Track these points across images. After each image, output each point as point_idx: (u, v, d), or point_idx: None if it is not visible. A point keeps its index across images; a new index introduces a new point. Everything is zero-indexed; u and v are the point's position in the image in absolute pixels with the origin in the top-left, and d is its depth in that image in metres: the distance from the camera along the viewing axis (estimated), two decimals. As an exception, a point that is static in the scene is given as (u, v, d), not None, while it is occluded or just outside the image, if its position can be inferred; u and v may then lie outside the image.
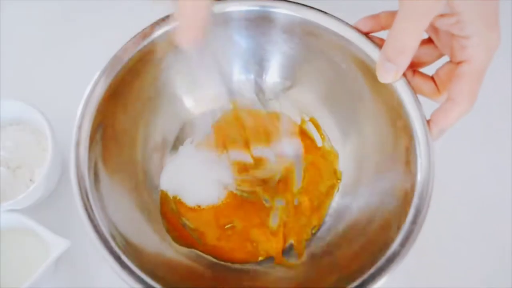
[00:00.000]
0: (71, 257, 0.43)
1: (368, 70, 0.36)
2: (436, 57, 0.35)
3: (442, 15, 0.30)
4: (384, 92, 0.36)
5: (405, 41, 0.30)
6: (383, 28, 0.36)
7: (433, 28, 0.34)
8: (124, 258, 0.32)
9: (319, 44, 0.39)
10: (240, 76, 0.43)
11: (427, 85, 0.35)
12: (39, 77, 0.51)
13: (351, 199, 0.40)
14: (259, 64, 0.43)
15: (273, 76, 0.43)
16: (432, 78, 0.35)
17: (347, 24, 0.37)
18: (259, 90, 0.44)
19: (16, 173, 0.44)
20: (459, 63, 0.32)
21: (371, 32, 0.36)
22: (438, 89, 0.34)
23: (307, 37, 0.39)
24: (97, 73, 0.36)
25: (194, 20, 0.31)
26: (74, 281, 0.43)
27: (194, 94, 0.43)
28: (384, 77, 0.33)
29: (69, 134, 0.35)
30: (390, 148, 0.37)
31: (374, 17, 0.36)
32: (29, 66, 0.51)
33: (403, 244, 0.32)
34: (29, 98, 0.44)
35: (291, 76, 0.43)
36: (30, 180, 0.44)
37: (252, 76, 0.43)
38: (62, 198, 0.46)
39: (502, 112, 0.49)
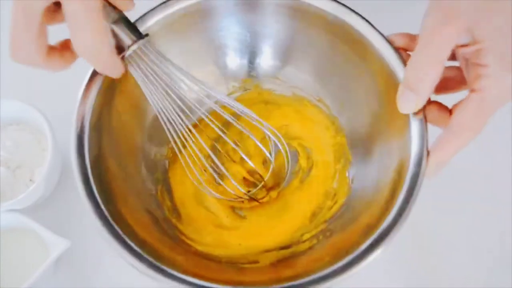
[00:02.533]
0: (71, 257, 0.43)
1: (356, 45, 0.37)
2: (461, 85, 0.34)
3: (464, 45, 0.29)
4: (376, 68, 0.36)
5: (425, 70, 0.30)
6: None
7: (460, 57, 0.32)
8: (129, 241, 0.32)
9: (308, 23, 0.39)
10: (234, 60, 0.43)
11: (442, 117, 0.33)
12: (39, 77, 0.50)
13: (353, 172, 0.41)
14: (252, 47, 0.43)
15: (266, 58, 0.44)
16: (450, 110, 0.33)
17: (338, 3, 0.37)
18: (254, 72, 0.44)
19: (16, 173, 0.44)
20: (471, 91, 0.30)
21: (406, 49, 0.36)
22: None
23: (296, 16, 0.39)
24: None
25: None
26: (74, 281, 0.43)
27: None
28: (405, 106, 0.32)
29: (69, 134, 0.35)
30: (385, 124, 0.38)
31: (412, 36, 0.35)
32: (29, 66, 0.51)
33: (396, 219, 0.32)
34: (29, 98, 0.44)
35: (284, 57, 0.43)
36: (30, 180, 0.44)
37: (245, 60, 0.44)
38: (62, 198, 0.46)
39: (502, 111, 0.49)
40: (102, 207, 0.33)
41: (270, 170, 0.42)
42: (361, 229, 0.34)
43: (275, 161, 0.42)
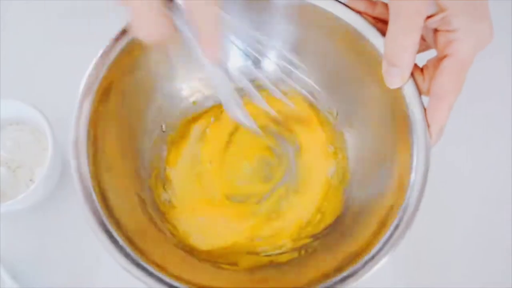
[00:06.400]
0: (71, 257, 0.44)
1: (363, 54, 0.36)
2: (424, 48, 0.35)
3: (430, 16, 0.30)
4: (382, 80, 0.35)
5: (403, 42, 0.30)
6: (374, 16, 0.36)
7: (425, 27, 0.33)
8: (125, 246, 0.32)
9: (317, 27, 0.38)
10: (237, 63, 0.43)
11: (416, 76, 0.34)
12: (39, 77, 0.50)
13: (348, 192, 0.41)
14: (257, 50, 0.42)
15: (271, 61, 0.43)
16: (421, 69, 0.34)
17: (347, 7, 0.36)
18: (257, 76, 0.43)
19: (16, 173, 0.44)
20: (443, 57, 0.31)
21: (364, 13, 0.36)
22: (424, 79, 0.34)
23: (305, 21, 0.39)
24: (93, 61, 0.36)
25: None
26: (74, 281, 0.43)
27: (189, 82, 0.43)
28: (391, 82, 0.33)
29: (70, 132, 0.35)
30: (390, 148, 0.37)
31: (372, 3, 0.36)
32: (29, 66, 0.51)
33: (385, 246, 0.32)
34: (29, 98, 0.44)
35: (290, 62, 0.43)
36: (30, 180, 0.44)
37: (250, 62, 0.43)
38: (62, 198, 0.46)
39: (502, 111, 0.49)
40: (96, 202, 0.33)
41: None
42: (347, 255, 0.34)
43: None
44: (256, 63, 0.43)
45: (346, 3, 0.36)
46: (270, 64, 0.43)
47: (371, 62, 0.36)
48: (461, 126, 0.48)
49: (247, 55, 0.43)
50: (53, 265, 0.44)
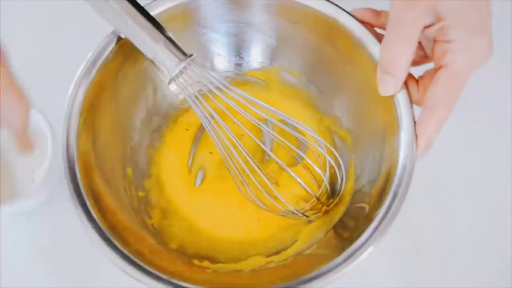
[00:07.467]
0: (71, 257, 0.44)
1: (360, 62, 0.36)
2: (421, 61, 0.35)
3: (428, 25, 0.30)
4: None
5: (398, 51, 0.30)
6: (379, 26, 0.36)
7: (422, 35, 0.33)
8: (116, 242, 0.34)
9: (297, 21, 0.39)
10: (221, 58, 0.43)
11: (410, 86, 0.34)
12: (39, 77, 0.50)
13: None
14: (240, 46, 0.43)
15: (256, 56, 0.43)
16: (417, 80, 0.34)
17: (349, 14, 0.36)
18: (241, 71, 0.44)
19: (16, 174, 0.44)
20: (439, 68, 0.31)
21: (367, 23, 0.36)
22: (418, 89, 0.34)
23: (285, 15, 0.39)
24: (83, 62, 0.38)
25: None
26: (74, 281, 0.43)
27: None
28: (384, 90, 0.33)
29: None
30: (374, 125, 0.37)
31: (376, 12, 0.36)
32: (29, 67, 0.51)
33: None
34: (29, 98, 0.44)
35: (273, 56, 0.43)
36: (30, 180, 0.44)
37: (233, 58, 0.43)
38: (62, 198, 0.45)
39: (502, 111, 0.49)
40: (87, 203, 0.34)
41: (323, 187, 0.40)
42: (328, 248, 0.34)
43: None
44: (240, 58, 0.44)
45: (350, 12, 0.36)
46: (254, 59, 0.43)
47: (366, 69, 0.36)
48: (461, 125, 0.48)
49: (230, 50, 0.43)
50: (53, 265, 0.44)
